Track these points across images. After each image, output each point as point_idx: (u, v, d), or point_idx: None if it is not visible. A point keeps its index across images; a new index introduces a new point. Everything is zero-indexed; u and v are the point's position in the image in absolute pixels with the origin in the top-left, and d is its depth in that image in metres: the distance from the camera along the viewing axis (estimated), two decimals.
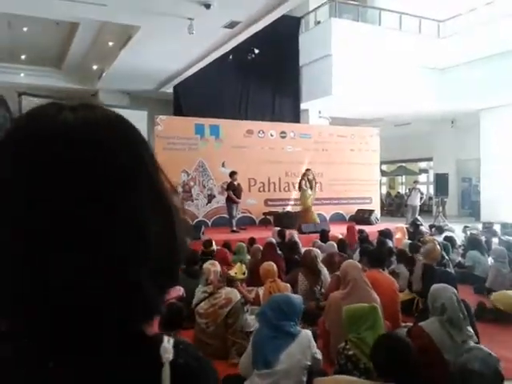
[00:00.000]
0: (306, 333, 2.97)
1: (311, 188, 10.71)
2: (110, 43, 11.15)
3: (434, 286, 3.13)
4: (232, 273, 5.06)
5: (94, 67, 12.89)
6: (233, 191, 9.95)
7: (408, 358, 2.34)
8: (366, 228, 9.14)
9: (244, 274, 5.20)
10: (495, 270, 6.02)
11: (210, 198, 11.44)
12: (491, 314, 4.93)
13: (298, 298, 3.20)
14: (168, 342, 0.51)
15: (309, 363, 2.87)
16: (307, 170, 11.08)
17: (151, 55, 10.56)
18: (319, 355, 3.00)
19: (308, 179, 10.76)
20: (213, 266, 4.17)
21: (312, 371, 2.96)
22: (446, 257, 6.06)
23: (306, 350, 2.87)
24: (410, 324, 3.98)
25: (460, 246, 8.00)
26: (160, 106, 13.82)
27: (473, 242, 7.26)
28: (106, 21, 9.34)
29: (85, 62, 12.76)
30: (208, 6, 7.80)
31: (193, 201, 11.20)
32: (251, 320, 4.04)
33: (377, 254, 4.76)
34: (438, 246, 5.58)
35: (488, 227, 9.28)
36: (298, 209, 11.33)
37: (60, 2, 7.63)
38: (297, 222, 10.22)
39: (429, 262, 5.20)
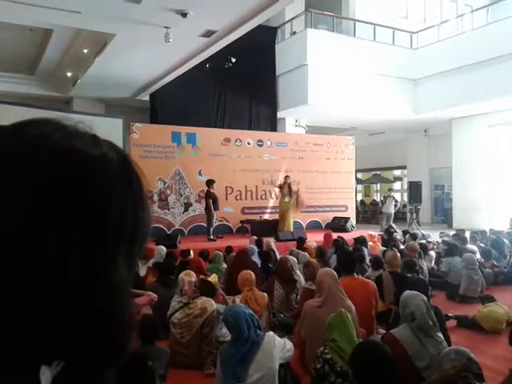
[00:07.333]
0: (268, 335, 2.97)
1: (290, 195, 10.72)
2: (85, 50, 11.01)
3: (404, 294, 3.17)
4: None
5: (69, 74, 12.70)
6: (212, 200, 9.93)
7: (387, 366, 2.36)
8: (343, 235, 9.20)
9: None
10: (467, 277, 6.14)
11: (187, 206, 11.36)
12: (472, 326, 4.86)
13: (239, 306, 3.22)
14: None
15: (281, 362, 2.90)
16: (286, 176, 11.12)
17: (127, 63, 10.47)
18: (287, 349, 3.01)
19: (289, 186, 10.78)
20: (187, 276, 4.13)
21: (287, 368, 3.00)
22: (419, 263, 6.15)
23: (273, 353, 2.87)
24: (384, 331, 4.02)
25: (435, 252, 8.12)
26: (136, 113, 13.67)
27: (451, 248, 7.24)
28: (81, 28, 9.24)
29: (59, 69, 12.56)
30: (184, 15, 7.80)
31: (169, 209, 11.12)
32: (227, 330, 4.01)
33: (345, 260, 4.65)
34: (398, 254, 5.66)
35: (458, 234, 9.44)
36: (275, 217, 11.33)
37: (34, 9, 7.50)
38: (274, 230, 10.23)
39: (392, 270, 5.23)
